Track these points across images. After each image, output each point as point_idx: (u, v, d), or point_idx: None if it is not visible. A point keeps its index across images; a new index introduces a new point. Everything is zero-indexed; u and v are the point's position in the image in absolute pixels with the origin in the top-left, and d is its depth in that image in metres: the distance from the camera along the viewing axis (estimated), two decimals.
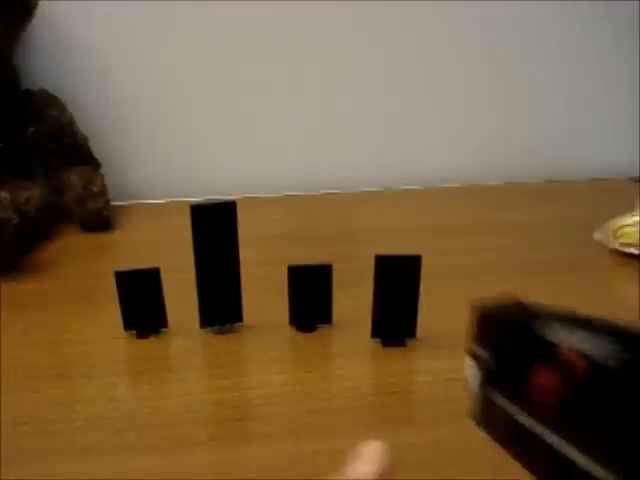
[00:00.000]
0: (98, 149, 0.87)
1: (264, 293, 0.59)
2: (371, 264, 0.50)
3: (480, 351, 0.24)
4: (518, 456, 0.21)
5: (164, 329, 0.55)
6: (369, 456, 0.24)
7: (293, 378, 0.49)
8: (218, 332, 0.55)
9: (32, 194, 0.76)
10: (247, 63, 0.93)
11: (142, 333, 0.54)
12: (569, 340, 0.19)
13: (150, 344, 0.54)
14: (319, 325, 0.56)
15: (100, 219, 0.80)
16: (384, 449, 0.25)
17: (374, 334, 0.53)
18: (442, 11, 0.94)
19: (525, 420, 0.20)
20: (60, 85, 0.86)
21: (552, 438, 0.19)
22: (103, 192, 0.81)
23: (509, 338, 0.22)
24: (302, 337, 0.55)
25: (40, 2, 0.79)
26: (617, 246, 0.71)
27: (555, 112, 1.03)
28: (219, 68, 0.92)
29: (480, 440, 0.24)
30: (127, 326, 0.54)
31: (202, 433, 0.43)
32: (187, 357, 0.52)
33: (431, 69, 0.98)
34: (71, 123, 0.84)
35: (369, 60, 0.96)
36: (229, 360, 0.52)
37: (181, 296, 0.54)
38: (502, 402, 0.22)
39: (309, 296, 0.54)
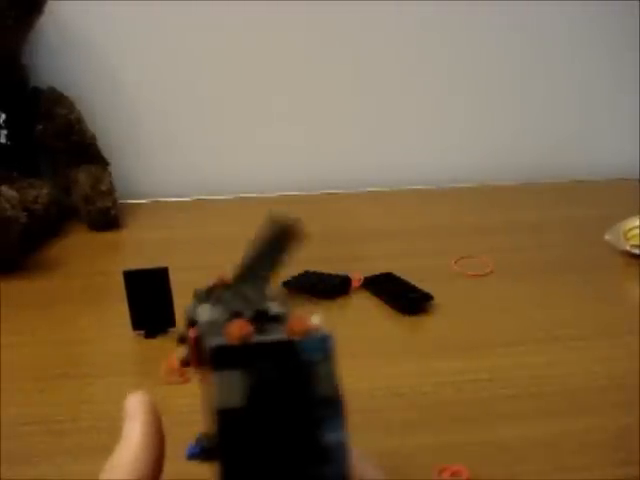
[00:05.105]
0: (106, 147, 0.87)
1: None
2: (382, 264, 0.50)
3: None
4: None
5: (172, 329, 0.55)
6: (132, 411, 0.26)
7: None
8: None
9: (40, 192, 0.76)
10: (251, 64, 0.92)
11: (150, 333, 0.54)
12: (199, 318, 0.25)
13: (158, 344, 0.53)
14: None
15: (108, 218, 0.80)
16: (142, 397, 0.27)
17: None
18: (453, 11, 0.93)
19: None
20: (68, 84, 0.86)
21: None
22: (111, 191, 0.81)
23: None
24: None
25: (48, 1, 0.78)
26: (627, 247, 0.71)
27: (569, 113, 1.02)
28: (224, 69, 0.92)
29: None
30: (135, 326, 0.54)
31: None
32: None
33: (438, 67, 0.97)
34: (79, 121, 0.84)
35: (374, 58, 0.95)
36: None
37: (189, 295, 0.53)
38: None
39: None
